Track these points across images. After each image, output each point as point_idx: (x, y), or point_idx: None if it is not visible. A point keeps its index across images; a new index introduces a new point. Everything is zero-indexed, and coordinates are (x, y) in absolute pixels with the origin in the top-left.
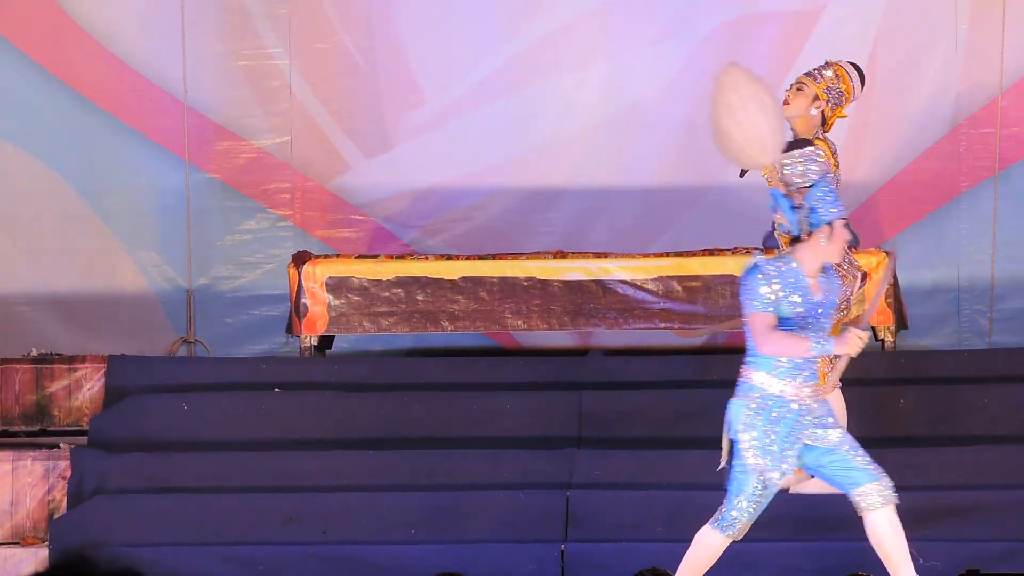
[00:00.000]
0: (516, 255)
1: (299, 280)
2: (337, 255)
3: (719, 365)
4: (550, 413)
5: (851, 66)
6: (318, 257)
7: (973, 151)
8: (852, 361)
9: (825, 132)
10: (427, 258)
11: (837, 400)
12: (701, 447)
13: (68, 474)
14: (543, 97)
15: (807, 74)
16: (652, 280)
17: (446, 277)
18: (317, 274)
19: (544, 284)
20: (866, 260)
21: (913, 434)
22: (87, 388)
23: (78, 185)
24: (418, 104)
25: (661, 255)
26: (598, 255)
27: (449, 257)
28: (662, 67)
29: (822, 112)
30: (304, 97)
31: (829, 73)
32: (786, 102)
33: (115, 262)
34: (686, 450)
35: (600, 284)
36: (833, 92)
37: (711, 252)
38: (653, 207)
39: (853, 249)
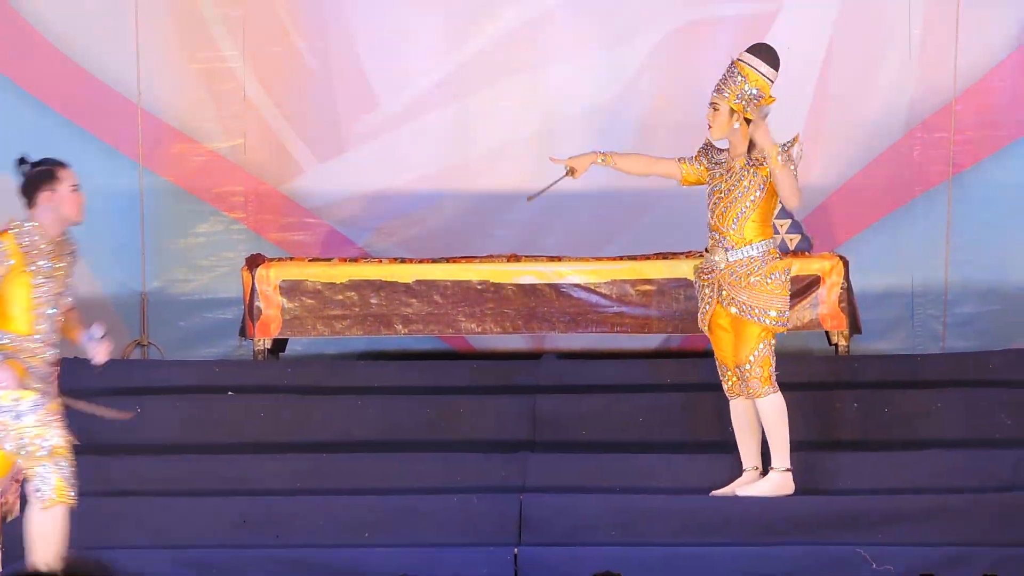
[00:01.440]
0: (470, 258)
1: (252, 283)
2: (290, 258)
3: (672, 369)
4: (503, 416)
5: (753, 55)
6: (271, 260)
7: (927, 155)
8: (804, 365)
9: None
10: (381, 261)
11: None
12: (655, 451)
13: (21, 477)
14: (497, 100)
15: (715, 89)
16: (606, 284)
17: (400, 280)
18: (270, 277)
19: (498, 288)
20: (819, 264)
21: (866, 438)
22: None
23: None
24: (372, 108)
25: (615, 259)
26: (552, 259)
27: (403, 260)
28: (616, 71)
29: (744, 118)
30: (258, 100)
31: (734, 81)
32: (709, 126)
33: None
34: (639, 454)
35: (554, 288)
36: (744, 95)
37: (665, 256)
38: (607, 211)
39: (806, 253)
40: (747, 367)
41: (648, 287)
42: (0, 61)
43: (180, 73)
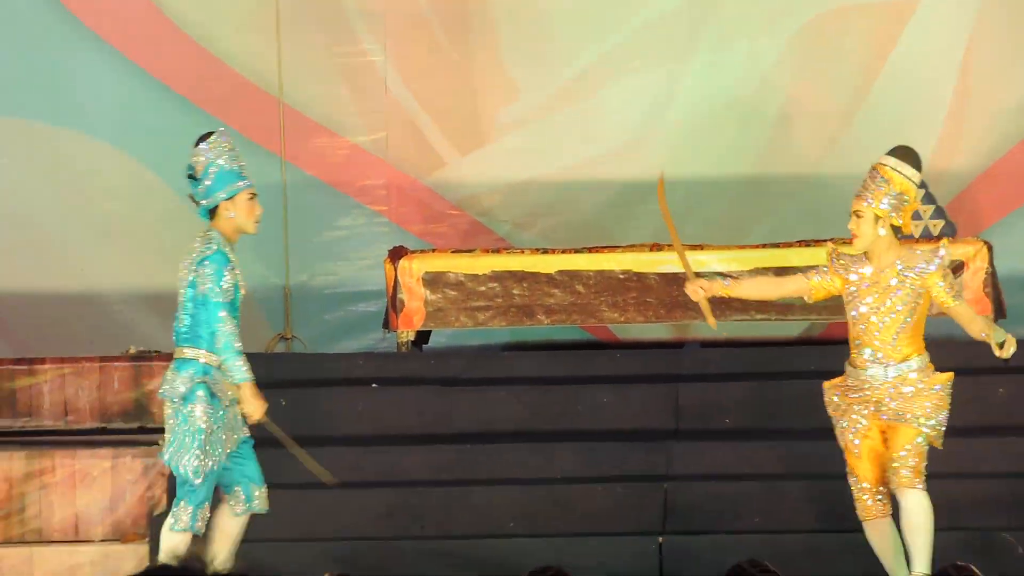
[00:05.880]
0: (612, 248)
1: (395, 276)
2: (433, 250)
3: (815, 356)
4: (647, 405)
5: (895, 158)
6: (414, 252)
7: None
8: (948, 350)
9: (904, 233)
10: (523, 252)
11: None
12: (797, 438)
13: (167, 471)
14: (637, 91)
15: (858, 196)
16: (748, 271)
17: (542, 271)
18: (413, 269)
19: (640, 277)
20: (963, 249)
21: (1013, 423)
22: None
23: (174, 184)
24: (513, 99)
25: (757, 246)
26: (694, 247)
27: (545, 251)
28: (756, 60)
29: (891, 224)
30: (399, 93)
31: (877, 187)
32: (854, 236)
33: None
34: (782, 441)
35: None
36: (891, 201)
37: (807, 243)
38: (748, 199)
39: (951, 239)
40: (900, 456)
41: (791, 275)
42: (142, 57)
43: (322, 67)
